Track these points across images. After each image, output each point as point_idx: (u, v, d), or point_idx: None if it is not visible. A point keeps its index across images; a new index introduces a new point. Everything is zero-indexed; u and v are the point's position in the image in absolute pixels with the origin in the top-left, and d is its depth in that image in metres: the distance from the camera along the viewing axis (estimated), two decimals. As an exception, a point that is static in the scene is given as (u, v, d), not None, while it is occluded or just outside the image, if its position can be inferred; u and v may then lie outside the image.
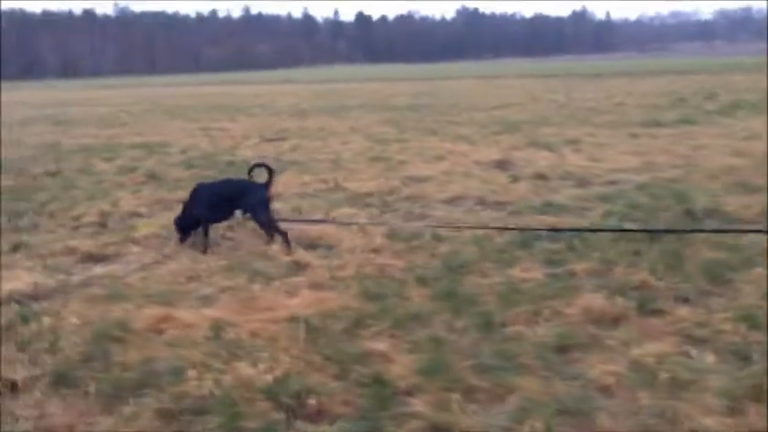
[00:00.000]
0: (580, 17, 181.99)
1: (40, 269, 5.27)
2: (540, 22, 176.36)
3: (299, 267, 5.09)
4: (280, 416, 2.97)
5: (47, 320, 4.04)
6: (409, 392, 3.14)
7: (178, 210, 6.09)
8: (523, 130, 14.84)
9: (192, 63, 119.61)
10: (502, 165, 9.84)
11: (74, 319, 4.08)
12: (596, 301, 4.10)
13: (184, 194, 8.22)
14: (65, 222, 6.94)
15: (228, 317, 4.04)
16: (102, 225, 6.78)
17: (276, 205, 6.97)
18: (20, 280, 4.90)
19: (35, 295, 4.67)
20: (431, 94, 32.84)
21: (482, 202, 7.47)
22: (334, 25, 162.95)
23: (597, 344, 3.60)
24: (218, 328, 3.86)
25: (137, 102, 32.84)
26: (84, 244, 5.87)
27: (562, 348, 3.56)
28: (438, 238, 5.74)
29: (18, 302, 4.49)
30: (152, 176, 9.86)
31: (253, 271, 4.98)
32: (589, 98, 25.29)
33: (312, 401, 3.04)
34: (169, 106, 28.81)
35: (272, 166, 6.13)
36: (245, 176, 6.16)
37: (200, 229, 5.81)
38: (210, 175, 9.71)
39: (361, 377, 3.27)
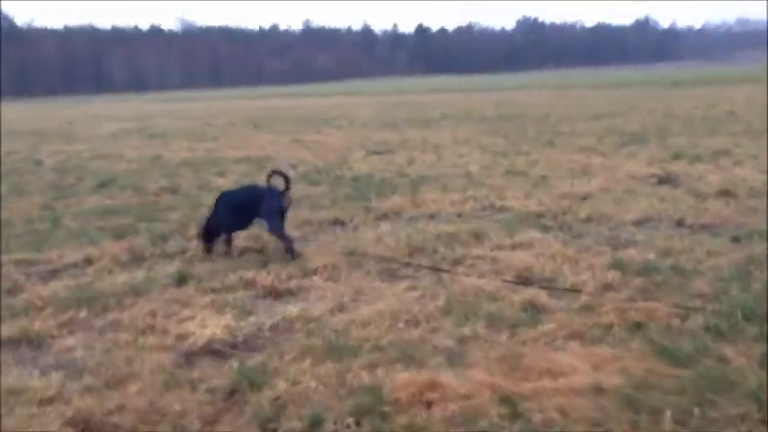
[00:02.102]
0: (644, 25, 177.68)
1: (221, 308, 4.49)
2: (602, 30, 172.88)
3: (536, 309, 4.18)
4: None
5: (282, 385, 3.21)
6: None
7: (326, 231, 5.85)
8: (650, 141, 13.69)
9: (255, 76, 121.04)
10: (667, 180, 8.78)
11: (311, 382, 3.26)
12: None
13: (328, 215, 7.61)
14: (215, 249, 6.19)
15: (505, 384, 3.15)
16: (261, 251, 6.01)
17: (453, 226, 6.19)
18: (210, 323, 4.12)
19: (234, 344, 3.88)
20: (510, 104, 31.79)
21: (682, 224, 6.45)
22: (394, 37, 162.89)
23: None
24: (508, 402, 2.97)
25: (216, 115, 32.68)
26: (261, 276, 5.08)
27: None
28: (679, 271, 4.76)
29: (222, 355, 3.71)
30: (279, 194, 9.12)
31: (483, 314, 4.08)
32: (690, 106, 23.88)
33: None
34: (250, 119, 28.47)
35: (289, 173, 6.03)
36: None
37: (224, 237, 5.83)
38: (345, 192, 8.95)
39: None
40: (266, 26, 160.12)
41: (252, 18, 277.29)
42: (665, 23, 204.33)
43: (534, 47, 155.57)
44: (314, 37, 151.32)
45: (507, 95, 41.42)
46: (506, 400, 2.99)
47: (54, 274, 5.52)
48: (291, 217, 7.53)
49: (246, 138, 19.39)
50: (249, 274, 5.13)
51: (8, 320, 4.28)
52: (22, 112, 43.84)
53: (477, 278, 4.82)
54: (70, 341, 3.97)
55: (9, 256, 5.95)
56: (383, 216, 7.43)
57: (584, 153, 12.36)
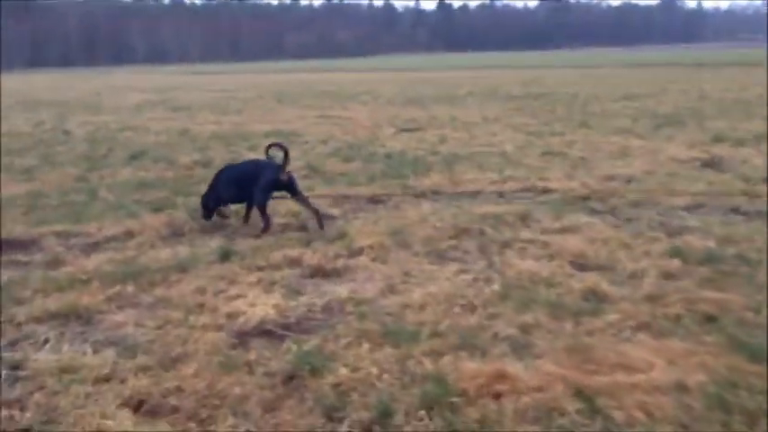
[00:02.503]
0: (670, 5, 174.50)
1: (268, 287, 4.37)
2: (627, 9, 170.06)
3: (598, 297, 4.01)
4: None
5: (342, 371, 3.09)
6: None
7: (373, 211, 5.92)
8: (687, 123, 13.36)
9: (275, 50, 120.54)
10: (711, 164, 8.54)
11: (372, 368, 3.13)
12: None
13: (366, 192, 7.46)
14: (255, 224, 6.07)
15: (577, 376, 3.00)
16: (303, 228, 5.88)
17: (498, 207, 6.00)
18: (259, 303, 4.01)
19: (287, 325, 3.77)
20: (536, 83, 31.29)
21: (737, 210, 6.23)
22: (415, 14, 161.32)
23: None
24: (583, 396, 2.82)
25: (238, 88, 32.51)
26: (307, 254, 4.95)
27: None
28: (745, 261, 4.57)
29: (276, 336, 3.59)
30: (313, 170, 8.99)
31: (543, 301, 3.93)
32: (721, 88, 23.37)
33: None
34: (273, 92, 28.28)
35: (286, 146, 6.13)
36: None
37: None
38: (380, 169, 8.79)
39: None
40: (287, 0, 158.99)
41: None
42: (691, 3, 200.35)
43: (558, 25, 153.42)
44: (335, 12, 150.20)
45: (531, 74, 40.82)
46: (581, 394, 2.84)
47: (95, 246, 5.43)
48: (329, 192, 7.42)
49: (271, 112, 19.24)
50: (294, 253, 5.00)
51: (53, 294, 4.19)
52: (43, 83, 43.94)
53: (534, 261, 4.65)
54: (119, 317, 3.87)
55: (48, 227, 5.87)
56: (422, 194, 7.27)
57: (621, 134, 12.08)
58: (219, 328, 3.67)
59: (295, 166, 9.26)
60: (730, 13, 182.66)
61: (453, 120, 15.65)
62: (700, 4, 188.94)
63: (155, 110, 19.96)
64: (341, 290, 4.29)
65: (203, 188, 7.68)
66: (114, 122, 15.90)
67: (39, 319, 3.80)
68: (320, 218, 5.82)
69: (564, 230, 5.54)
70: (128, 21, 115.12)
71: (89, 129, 14.40)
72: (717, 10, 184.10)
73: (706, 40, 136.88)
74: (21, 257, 5.08)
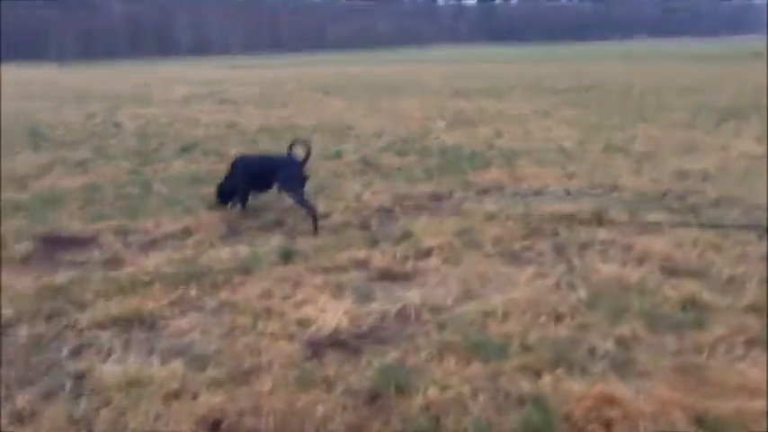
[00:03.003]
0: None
1: (336, 291, 4.13)
2: (674, 1, 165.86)
3: (698, 307, 3.68)
4: None
5: (431, 390, 2.82)
6: None
7: (435, 209, 5.82)
8: (750, 117, 12.76)
9: (316, 42, 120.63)
10: (789, 161, 8.05)
11: (463, 387, 2.87)
12: None
13: (426, 189, 7.18)
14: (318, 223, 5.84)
15: (696, 402, 2.69)
16: (365, 227, 5.64)
17: (568, 206, 5.67)
18: (329, 309, 3.77)
19: (360, 334, 3.52)
20: (583, 75, 30.56)
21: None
22: (456, 5, 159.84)
23: None
24: (706, 426, 2.51)
25: (283, 80, 32.46)
26: (374, 256, 4.70)
27: None
28: None
29: (350, 348, 3.35)
30: (367, 164, 8.74)
31: (637, 311, 3.61)
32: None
33: None
34: (318, 85, 28.11)
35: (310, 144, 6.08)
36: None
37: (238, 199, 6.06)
38: (436, 164, 8.51)
39: None
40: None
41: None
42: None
43: (601, 17, 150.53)
44: (376, 3, 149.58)
45: (577, 67, 39.94)
46: (703, 423, 2.53)
47: (153, 244, 5.26)
48: (388, 188, 7.14)
49: (317, 104, 19.05)
50: (360, 254, 4.76)
51: (115, 297, 4.01)
52: (90, 75, 44.55)
53: (618, 265, 4.32)
54: (184, 323, 3.67)
55: (105, 222, 5.73)
56: (484, 191, 6.97)
57: (682, 129, 11.58)
58: (290, 337, 3.44)
59: (349, 161, 9.09)
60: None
61: (502, 113, 15.27)
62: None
63: (202, 102, 19.94)
64: (413, 295, 4.03)
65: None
66: (164, 115, 15.87)
67: (101, 325, 3.62)
68: (315, 220, 5.57)
69: (644, 231, 5.20)
70: (172, 13, 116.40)
71: (140, 122, 14.38)
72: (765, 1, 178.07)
73: (755, 32, 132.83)
74: (79, 256, 4.94)
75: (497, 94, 21.72)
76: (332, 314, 3.68)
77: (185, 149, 10.10)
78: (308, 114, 16.01)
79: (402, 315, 3.77)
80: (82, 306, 3.87)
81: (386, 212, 6.11)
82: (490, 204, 6.25)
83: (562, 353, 3.15)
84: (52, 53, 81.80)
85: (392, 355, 3.21)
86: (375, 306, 3.87)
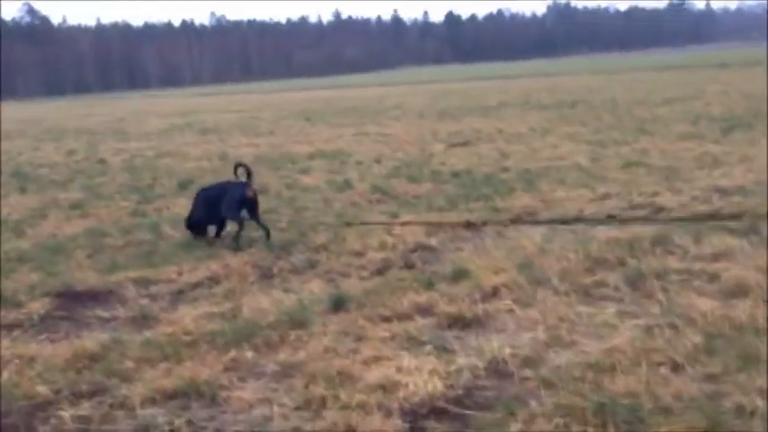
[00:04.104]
0: (678, 8, 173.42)
1: (408, 344, 3.66)
2: (635, 14, 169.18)
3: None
4: None
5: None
6: None
7: (474, 240, 5.62)
8: (753, 125, 12.59)
9: (284, 68, 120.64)
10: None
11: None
12: None
13: (456, 217, 6.74)
14: (350, 262, 5.39)
15: None
16: (409, 265, 5.18)
17: (623, 232, 5.24)
18: (409, 368, 3.30)
19: (458, 399, 3.05)
20: (562, 90, 30.62)
21: None
22: (424, 26, 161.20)
23: None
24: None
25: (259, 107, 32.04)
26: (434, 299, 4.25)
27: None
28: None
29: (454, 417, 2.88)
30: (383, 192, 8.32)
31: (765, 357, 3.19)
32: (759, 87, 22.50)
33: None
34: (297, 111, 27.73)
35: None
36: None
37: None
38: (454, 190, 8.11)
39: None
40: (295, 18, 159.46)
41: (281, 10, 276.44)
42: (700, 4, 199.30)
43: (566, 32, 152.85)
44: (343, 28, 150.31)
45: (552, 81, 40.12)
46: None
47: (180, 296, 4.76)
48: (418, 216, 6.68)
49: (303, 131, 18.63)
50: (419, 298, 4.29)
51: (160, 363, 3.49)
52: (62, 111, 43.68)
53: (713, 299, 3.91)
54: (247, 394, 3.17)
55: (122, 273, 5.20)
56: (517, 218, 6.56)
57: (691, 140, 11.37)
58: (382, 408, 2.95)
59: (362, 190, 8.65)
60: (740, 12, 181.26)
61: (499, 132, 14.98)
62: (708, 5, 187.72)
63: (183, 134, 19.41)
64: (496, 344, 3.57)
65: (272, 219, 7.11)
66: (147, 149, 15.32)
67: (155, 401, 3.10)
68: (268, 235, 6.04)
69: (717, 257, 4.80)
70: (140, 45, 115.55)
71: (124, 156, 13.81)
72: (726, 10, 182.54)
73: (717, 41, 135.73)
74: (103, 312, 4.41)
75: (485, 112, 21.51)
76: (416, 376, 3.20)
77: (183, 186, 9.58)
78: (299, 142, 15.56)
79: (494, 370, 3.31)
80: (125, 377, 3.35)
81: (425, 247, 5.67)
82: (533, 234, 5.83)
83: (712, 415, 2.71)
84: (19, 90, 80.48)
85: (512, 428, 2.74)
86: (461, 361, 3.40)
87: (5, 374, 3.45)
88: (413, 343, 3.66)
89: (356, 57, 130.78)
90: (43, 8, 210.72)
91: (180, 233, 6.48)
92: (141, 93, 78.16)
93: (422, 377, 3.20)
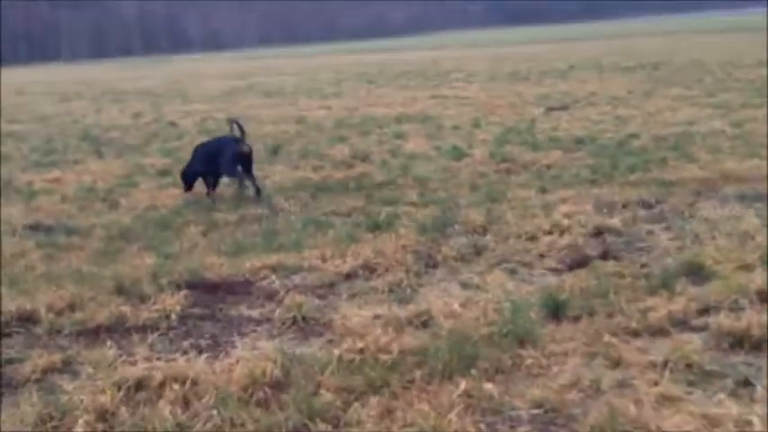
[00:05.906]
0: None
1: (687, 373, 2.68)
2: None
3: None
4: None
5: None
6: None
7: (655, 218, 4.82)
8: None
9: (329, 32, 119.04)
10: None
11: None
12: None
13: (622, 194, 5.68)
14: (525, 247, 4.39)
15: None
16: (612, 256, 4.15)
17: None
18: (695, 402, 2.32)
19: None
20: (632, 52, 28.89)
21: None
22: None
23: None
24: None
25: (314, 70, 30.98)
26: (684, 306, 3.24)
27: None
28: None
29: None
30: (508, 161, 7.28)
31: None
32: None
33: None
34: (355, 74, 26.62)
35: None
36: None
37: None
38: (592, 160, 7.03)
39: None
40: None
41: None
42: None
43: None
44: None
45: (618, 44, 38.12)
46: None
47: (334, 289, 3.84)
48: (587, 195, 5.62)
49: (373, 94, 17.59)
50: (663, 304, 3.28)
51: (369, 398, 2.56)
52: (111, 73, 43.16)
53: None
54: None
55: (251, 258, 4.27)
56: (697, 194, 5.49)
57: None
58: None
59: (480, 158, 7.61)
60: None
61: (593, 95, 13.79)
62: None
63: (247, 96, 18.51)
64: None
65: (397, 193, 6.14)
66: (214, 111, 14.44)
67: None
68: (259, 192, 6.02)
69: None
70: (183, 9, 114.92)
71: (195, 119, 12.96)
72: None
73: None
74: (250, 311, 3.53)
75: (562, 75, 20.17)
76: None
77: (274, 151, 8.66)
78: (375, 104, 14.52)
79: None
80: (335, 422, 2.42)
81: (609, 230, 4.64)
82: (740, 212, 4.76)
83: None
84: (65, 52, 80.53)
85: None
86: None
87: (162, 406, 2.55)
88: (699, 375, 2.67)
89: (399, 20, 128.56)
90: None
91: (292, 206, 5.57)
92: (184, 57, 77.45)
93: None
